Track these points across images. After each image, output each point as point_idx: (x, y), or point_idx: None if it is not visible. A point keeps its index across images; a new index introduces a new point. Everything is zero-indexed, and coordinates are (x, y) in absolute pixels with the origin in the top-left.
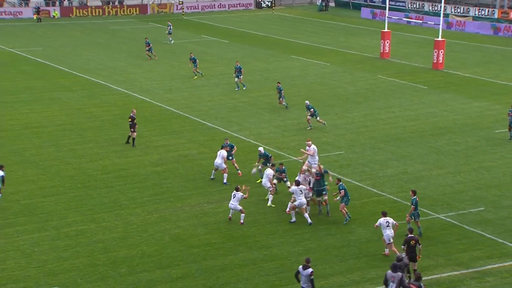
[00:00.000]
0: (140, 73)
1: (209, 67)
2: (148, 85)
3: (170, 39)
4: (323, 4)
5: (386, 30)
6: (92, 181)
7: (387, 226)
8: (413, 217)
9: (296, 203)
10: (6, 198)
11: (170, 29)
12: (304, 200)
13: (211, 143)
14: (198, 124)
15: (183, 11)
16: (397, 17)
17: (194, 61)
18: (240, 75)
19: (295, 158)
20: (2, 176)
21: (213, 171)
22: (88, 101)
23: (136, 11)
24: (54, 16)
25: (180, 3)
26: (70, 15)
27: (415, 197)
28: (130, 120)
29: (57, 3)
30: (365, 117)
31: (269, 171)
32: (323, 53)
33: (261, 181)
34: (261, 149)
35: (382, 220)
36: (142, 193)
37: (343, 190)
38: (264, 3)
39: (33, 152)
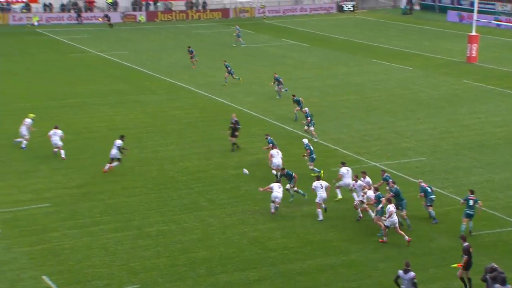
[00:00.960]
0: (221, 76)
1: (288, 71)
2: (228, 88)
3: (242, 42)
4: (408, 7)
5: (473, 33)
6: (173, 182)
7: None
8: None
9: (317, 199)
10: (93, 197)
11: (238, 32)
12: (324, 195)
13: (290, 147)
14: (278, 128)
15: (264, 15)
16: (486, 20)
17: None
18: (281, 85)
19: (376, 164)
20: (119, 146)
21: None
22: (170, 103)
23: (218, 15)
24: (140, 21)
25: (262, 7)
26: (155, 19)
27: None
28: (232, 124)
29: (143, 7)
30: (448, 123)
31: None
32: (406, 57)
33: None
34: (305, 140)
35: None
36: (221, 195)
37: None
38: (346, 6)
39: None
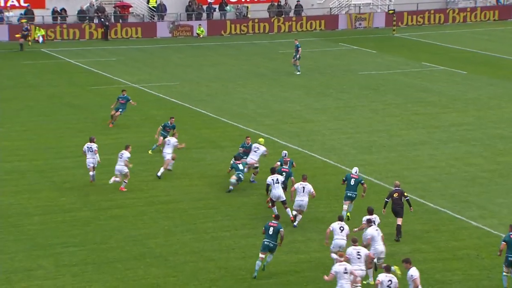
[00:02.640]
0: (324, 121)
1: (432, 113)
2: (334, 139)
3: (298, 67)
4: None
5: None
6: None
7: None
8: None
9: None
10: None
11: (298, 53)
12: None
13: (434, 234)
14: (415, 205)
15: (394, 25)
16: None
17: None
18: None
19: None
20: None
21: None
22: None
23: (321, 25)
24: (199, 35)
25: (391, 12)
26: (222, 32)
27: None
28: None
29: (203, 15)
30: None
31: None
32: None
33: None
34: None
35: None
36: None
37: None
38: None
39: (160, 241)
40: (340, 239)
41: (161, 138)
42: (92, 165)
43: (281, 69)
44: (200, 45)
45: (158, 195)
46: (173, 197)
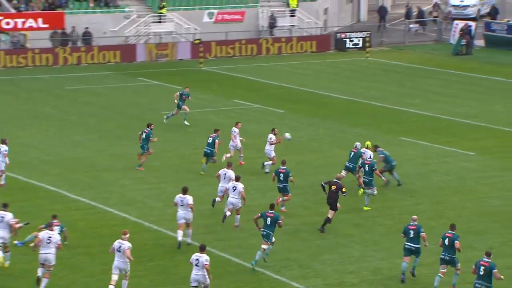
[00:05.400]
0: (122, 169)
1: (251, 158)
2: (135, 190)
3: (166, 116)
4: (462, 42)
5: None
6: None
7: None
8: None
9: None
10: None
11: (182, 98)
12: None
13: None
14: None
15: (201, 57)
16: None
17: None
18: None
19: None
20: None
21: None
22: None
23: (115, 57)
24: None
25: (197, 41)
26: None
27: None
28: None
29: None
30: None
31: None
32: (464, 133)
33: None
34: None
35: None
36: None
37: None
38: (351, 41)
39: None
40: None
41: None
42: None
43: (70, 108)
44: None
45: None
46: None
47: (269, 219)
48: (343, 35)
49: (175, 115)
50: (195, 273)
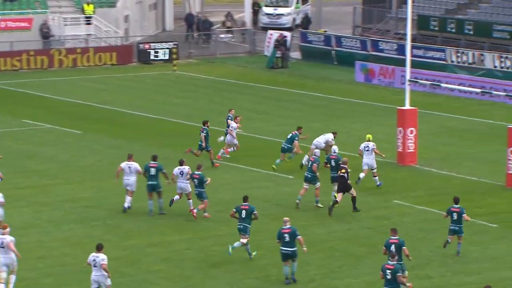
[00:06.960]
0: None
1: (40, 186)
2: None
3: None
4: (278, 55)
5: (407, 107)
6: None
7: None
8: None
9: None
10: None
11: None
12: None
13: None
14: None
15: None
16: (428, 81)
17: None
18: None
19: None
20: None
21: None
22: None
23: None
24: None
25: None
26: None
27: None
28: None
29: None
30: None
31: None
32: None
33: None
34: None
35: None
36: None
37: None
38: (155, 53)
39: None
40: (181, 181)
41: None
42: None
43: None
44: None
45: None
46: None
47: (243, 211)
48: (146, 46)
49: None
50: (95, 274)
